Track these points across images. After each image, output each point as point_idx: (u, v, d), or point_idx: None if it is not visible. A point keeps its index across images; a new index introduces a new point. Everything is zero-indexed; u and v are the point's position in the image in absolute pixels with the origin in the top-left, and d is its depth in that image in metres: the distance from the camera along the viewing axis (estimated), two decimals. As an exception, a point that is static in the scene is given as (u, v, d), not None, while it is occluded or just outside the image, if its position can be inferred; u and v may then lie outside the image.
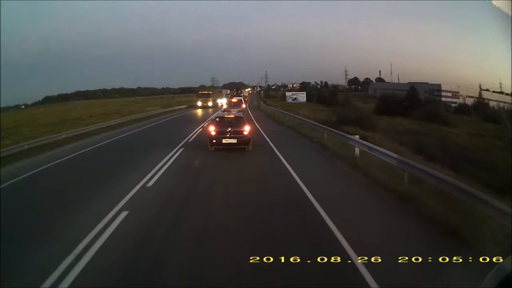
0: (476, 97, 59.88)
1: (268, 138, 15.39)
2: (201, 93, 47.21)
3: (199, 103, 44.13)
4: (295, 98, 43.96)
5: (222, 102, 48.81)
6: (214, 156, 11.58)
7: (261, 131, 18.07)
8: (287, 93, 47.85)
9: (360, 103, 52.06)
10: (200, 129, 18.94)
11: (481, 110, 49.43)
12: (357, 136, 10.42)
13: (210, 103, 44.42)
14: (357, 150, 10.39)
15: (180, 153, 12.14)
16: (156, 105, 50.07)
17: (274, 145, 13.13)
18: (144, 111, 36.54)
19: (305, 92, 45.71)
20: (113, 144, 15.81)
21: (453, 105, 56.70)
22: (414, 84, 61.61)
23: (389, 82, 69.07)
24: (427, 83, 60.08)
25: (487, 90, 65.31)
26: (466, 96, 61.19)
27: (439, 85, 59.42)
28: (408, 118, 40.33)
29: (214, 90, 57.06)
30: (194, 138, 15.90)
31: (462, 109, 52.22)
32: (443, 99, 57.94)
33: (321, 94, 53.70)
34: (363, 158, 9.86)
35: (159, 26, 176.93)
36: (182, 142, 14.43)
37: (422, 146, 20.30)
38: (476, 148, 24.81)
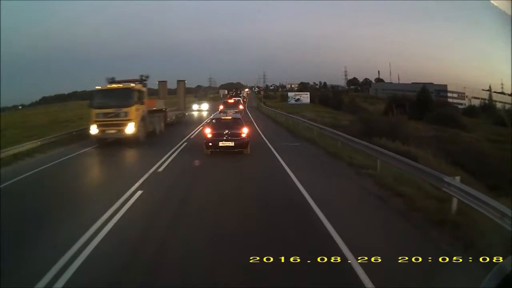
0: (482, 98, 55.67)
1: (284, 161, 9.72)
2: (100, 92, 14.54)
3: (94, 130, 13.66)
4: (298, 99, 38.97)
5: (202, 108, 33.45)
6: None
7: (270, 147, 12.60)
8: (289, 94, 42.71)
9: (365, 104, 47.33)
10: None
11: (491, 113, 45.13)
12: (457, 179, 5.38)
13: (129, 129, 13.53)
14: (454, 203, 5.41)
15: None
16: None
17: (299, 180, 7.58)
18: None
19: (308, 93, 40.71)
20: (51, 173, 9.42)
21: (459, 106, 52.11)
22: (419, 84, 57.24)
23: (391, 83, 64.23)
24: (432, 83, 55.20)
25: (489, 90, 61.46)
26: (472, 97, 56.76)
27: (445, 85, 54.72)
28: (421, 121, 35.89)
29: (181, 84, 28.10)
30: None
31: (471, 111, 47.57)
32: (449, 100, 53.33)
33: (324, 95, 48.76)
34: (476, 221, 4.88)
35: (157, 27, 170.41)
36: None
37: (457, 159, 15.81)
38: (507, 159, 20.67)
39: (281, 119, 23.22)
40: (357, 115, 37.88)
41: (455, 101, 54.06)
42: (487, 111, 47.27)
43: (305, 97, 39.06)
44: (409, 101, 38.31)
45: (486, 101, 53.85)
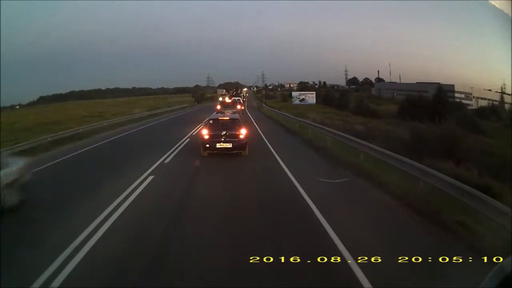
0: (489, 99, 51.08)
1: (340, 238, 4.54)
2: None
3: None
4: (303, 99, 33.90)
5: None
6: None
7: (297, 185, 7.08)
8: (294, 93, 37.56)
9: (372, 105, 42.25)
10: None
11: (505, 115, 40.61)
12: None
13: None
14: None
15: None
16: (145, 106, 42.76)
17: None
18: (129, 113, 30.35)
19: (314, 92, 35.66)
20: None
21: (468, 107, 47.38)
22: (424, 84, 52.53)
23: (395, 82, 59.07)
24: (439, 83, 50.21)
25: (490, 90, 57.15)
26: (479, 98, 52.05)
27: (453, 85, 49.75)
28: (438, 124, 31.20)
29: None
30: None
31: (482, 112, 42.86)
32: (456, 100, 48.51)
33: (329, 95, 43.59)
34: None
35: (155, 26, 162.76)
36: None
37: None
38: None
39: (295, 127, 17.45)
40: (368, 117, 33.01)
41: (462, 101, 49.32)
42: (496, 112, 42.99)
43: (311, 97, 33.98)
44: (424, 102, 33.38)
45: (495, 102, 49.40)
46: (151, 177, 7.66)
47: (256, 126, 18.76)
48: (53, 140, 14.30)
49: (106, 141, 14.81)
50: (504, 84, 51.92)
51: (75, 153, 12.00)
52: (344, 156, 9.67)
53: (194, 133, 15.64)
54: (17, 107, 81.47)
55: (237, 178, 8.05)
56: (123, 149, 12.80)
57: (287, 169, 8.48)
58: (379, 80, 73.26)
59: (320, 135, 13.17)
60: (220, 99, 45.11)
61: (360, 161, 8.73)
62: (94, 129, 18.89)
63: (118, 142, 14.80)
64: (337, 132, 11.78)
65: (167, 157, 10.17)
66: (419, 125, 18.65)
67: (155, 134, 17.37)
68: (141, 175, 7.83)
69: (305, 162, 9.74)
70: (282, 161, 9.52)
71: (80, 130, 17.35)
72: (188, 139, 13.71)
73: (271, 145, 12.25)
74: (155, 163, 9.26)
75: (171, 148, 11.53)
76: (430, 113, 32.59)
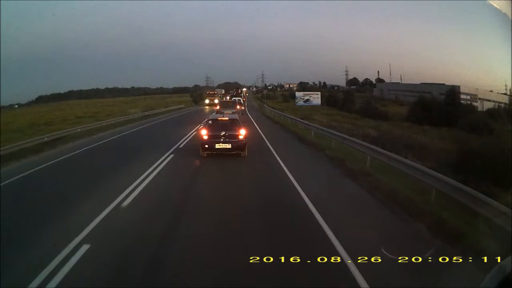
0: (494, 101, 48.21)
1: None
2: None
3: None
4: (307, 100, 30.69)
5: None
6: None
7: None
8: (297, 94, 34.27)
9: (378, 106, 39.05)
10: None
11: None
12: None
13: None
14: None
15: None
16: (141, 106, 40.34)
17: None
18: (124, 113, 29.08)
19: (319, 93, 32.44)
20: None
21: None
22: (429, 85, 49.57)
23: (398, 83, 55.94)
24: (444, 84, 47.30)
25: (491, 91, 54.37)
26: (484, 100, 49.13)
27: (458, 86, 46.67)
28: (452, 128, 28.16)
29: None
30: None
31: (491, 115, 39.89)
32: (465, 102, 45.54)
33: (333, 96, 40.22)
34: None
35: (155, 26, 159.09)
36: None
37: None
38: None
39: (311, 136, 13.78)
40: (376, 119, 29.80)
41: (468, 103, 46.36)
42: (502, 115, 40.11)
43: (316, 98, 30.76)
44: (436, 104, 30.26)
45: (500, 104, 46.50)
46: (85, 247, 4.01)
47: (262, 136, 14.72)
48: (10, 153, 10.99)
49: (73, 153, 11.29)
50: (506, 85, 49.32)
51: (14, 178, 7.94)
52: (401, 189, 5.93)
53: (181, 146, 12.28)
54: (16, 106, 78.53)
55: (239, 245, 4.20)
56: (81, 170, 9.06)
57: (325, 224, 4.72)
58: (379, 80, 70.25)
59: (349, 150, 9.82)
60: (207, 101, 40.05)
61: (429, 200, 5.25)
62: (77, 133, 15.93)
63: (86, 155, 11.32)
64: (380, 150, 7.98)
65: (136, 188, 6.48)
66: (460, 134, 15.45)
67: (138, 142, 13.95)
68: (74, 237, 4.22)
69: (350, 206, 5.82)
70: (313, 203, 5.58)
71: (53, 137, 14.22)
72: (171, 155, 10.25)
73: (286, 167, 8.45)
74: (112, 201, 5.64)
75: (148, 169, 8.11)
76: (442, 116, 29.44)
